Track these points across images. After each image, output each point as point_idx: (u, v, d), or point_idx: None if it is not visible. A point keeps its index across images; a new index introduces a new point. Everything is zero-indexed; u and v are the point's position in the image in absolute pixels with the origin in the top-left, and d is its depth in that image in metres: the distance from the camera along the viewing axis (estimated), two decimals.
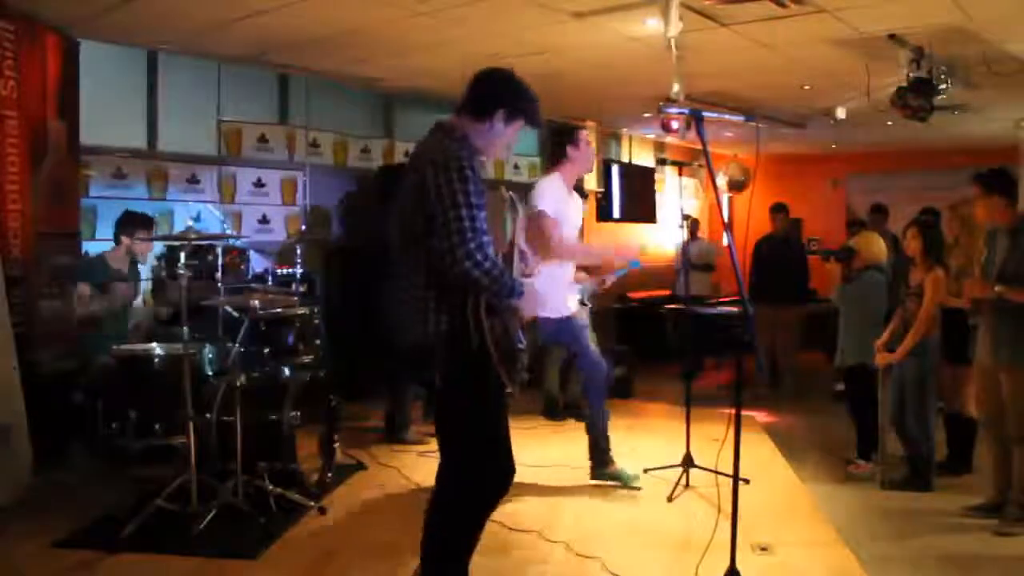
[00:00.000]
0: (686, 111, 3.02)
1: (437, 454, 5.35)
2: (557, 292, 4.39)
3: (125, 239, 4.93)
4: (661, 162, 9.96)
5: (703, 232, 10.67)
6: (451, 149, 2.61)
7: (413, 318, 2.68)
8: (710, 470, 4.13)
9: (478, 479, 2.72)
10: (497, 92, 2.79)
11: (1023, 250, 4.03)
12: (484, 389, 2.66)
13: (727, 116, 3.89)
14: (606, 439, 4.59)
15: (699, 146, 2.88)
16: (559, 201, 4.40)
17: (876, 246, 5.27)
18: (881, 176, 11.52)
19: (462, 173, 2.54)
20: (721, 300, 8.44)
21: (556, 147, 4.67)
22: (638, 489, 4.51)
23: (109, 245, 5.13)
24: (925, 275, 4.68)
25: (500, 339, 2.64)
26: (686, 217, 4.55)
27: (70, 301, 4.89)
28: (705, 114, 2.96)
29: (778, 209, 8.09)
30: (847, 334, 5.24)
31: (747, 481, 3.60)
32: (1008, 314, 4.02)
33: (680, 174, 6.27)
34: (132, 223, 4.96)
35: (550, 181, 4.53)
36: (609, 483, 4.55)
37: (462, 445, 2.76)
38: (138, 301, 5.32)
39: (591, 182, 9.05)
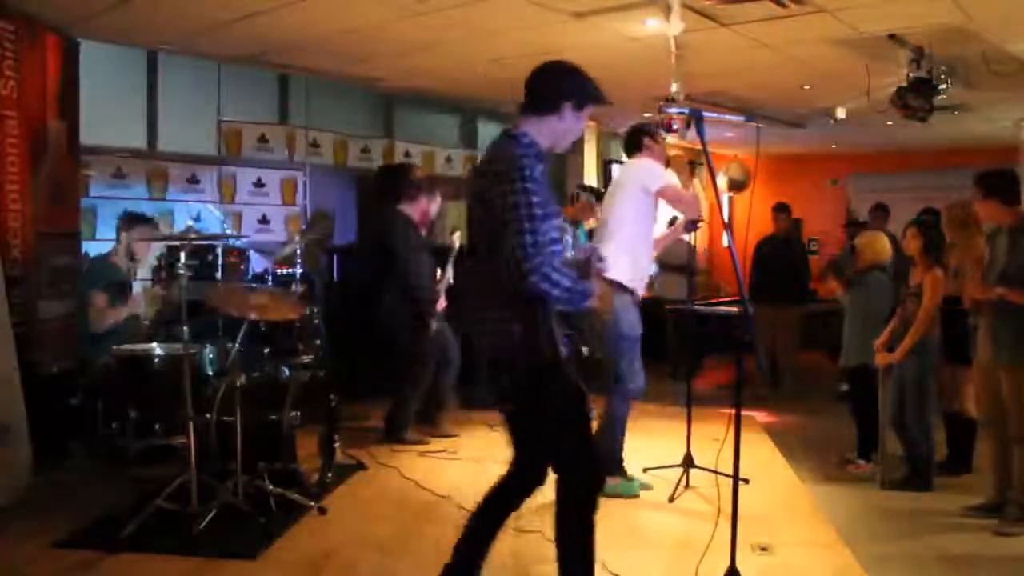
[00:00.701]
0: (686, 111, 3.01)
1: (437, 454, 5.40)
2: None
3: (124, 235, 4.93)
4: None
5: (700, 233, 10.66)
6: (514, 158, 2.59)
7: (488, 328, 2.70)
8: (710, 470, 4.13)
9: (578, 471, 2.76)
10: (561, 86, 2.75)
11: (1022, 251, 4.02)
12: (557, 398, 2.66)
13: (727, 116, 3.90)
14: (621, 450, 4.53)
15: (699, 146, 2.88)
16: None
17: (880, 245, 5.25)
18: (881, 176, 11.52)
19: (524, 184, 2.53)
20: (721, 300, 8.44)
21: (633, 139, 4.64)
22: (649, 488, 4.51)
23: (109, 245, 5.13)
24: (924, 275, 4.68)
25: (573, 349, 2.65)
26: (698, 222, 4.54)
27: (85, 311, 4.86)
28: (705, 114, 2.96)
29: (781, 209, 8.10)
30: (851, 334, 5.22)
31: (747, 481, 3.60)
32: (1008, 314, 4.02)
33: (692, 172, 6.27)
34: (132, 220, 4.96)
35: (642, 160, 4.54)
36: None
37: (554, 443, 2.75)
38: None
39: (592, 182, 9.04)
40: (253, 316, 4.14)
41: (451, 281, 5.71)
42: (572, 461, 2.75)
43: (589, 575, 2.74)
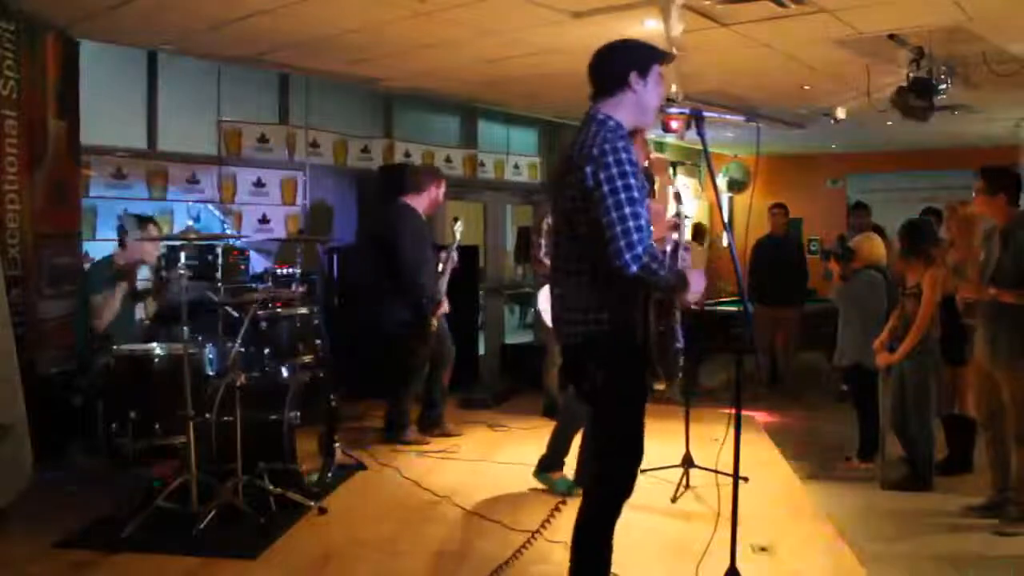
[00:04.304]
0: (687, 111, 3.00)
1: (437, 454, 5.40)
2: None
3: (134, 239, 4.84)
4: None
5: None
6: (608, 141, 2.53)
7: (572, 320, 2.65)
8: (710, 469, 4.13)
9: (623, 467, 2.71)
10: (620, 58, 2.71)
11: (1015, 251, 4.01)
12: (639, 384, 2.65)
13: (728, 116, 3.89)
14: (568, 448, 4.48)
15: (696, 146, 2.88)
16: None
17: (875, 246, 5.27)
18: (881, 176, 11.52)
19: (621, 168, 2.48)
20: (721, 300, 8.45)
21: None
22: (569, 496, 4.31)
23: (109, 245, 5.11)
24: (923, 274, 4.68)
25: (662, 336, 2.61)
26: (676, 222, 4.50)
27: (86, 314, 4.73)
28: (706, 114, 2.95)
29: (777, 208, 8.10)
30: (845, 334, 5.24)
31: (746, 479, 3.59)
32: (1005, 316, 4.01)
33: (675, 173, 6.27)
34: (140, 223, 4.88)
35: None
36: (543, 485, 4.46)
37: (613, 437, 2.73)
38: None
39: None
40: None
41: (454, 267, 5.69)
42: (615, 455, 2.70)
43: None
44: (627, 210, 2.45)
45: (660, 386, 2.71)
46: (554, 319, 2.77)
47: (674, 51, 5.15)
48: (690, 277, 2.66)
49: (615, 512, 2.70)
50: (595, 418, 2.80)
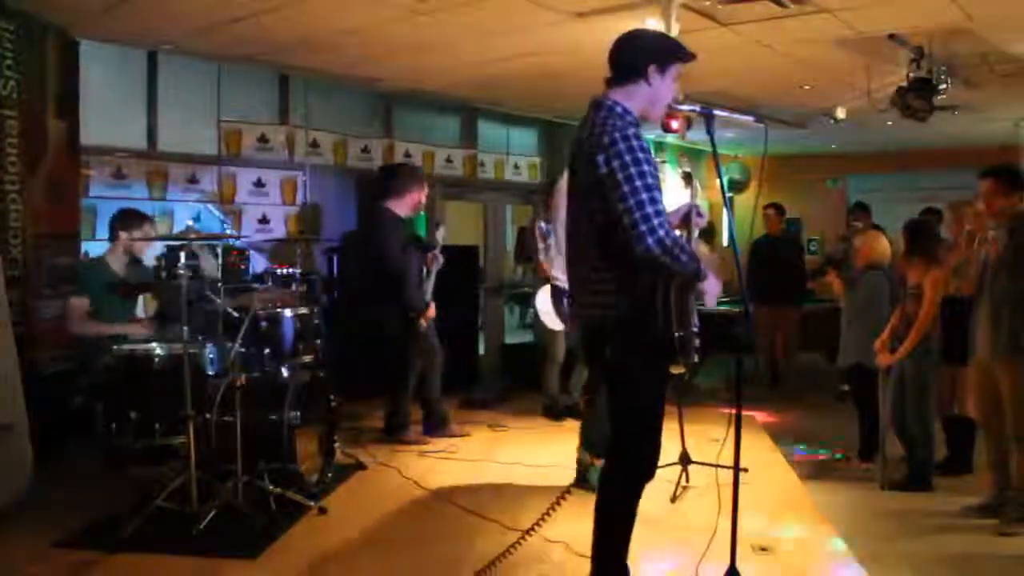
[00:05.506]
0: (697, 108, 2.99)
1: (437, 454, 5.39)
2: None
3: (123, 235, 4.80)
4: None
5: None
6: (617, 127, 2.54)
7: (590, 303, 2.68)
8: (708, 464, 4.13)
9: (641, 453, 2.75)
10: (641, 50, 2.72)
11: (1019, 240, 4.01)
12: (659, 368, 2.66)
13: (737, 116, 3.86)
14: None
15: (688, 145, 2.88)
16: None
17: (878, 245, 5.25)
18: (881, 176, 11.51)
19: (633, 154, 2.48)
20: (721, 300, 8.45)
21: None
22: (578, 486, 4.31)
23: (107, 246, 5.10)
24: (924, 274, 4.68)
25: (681, 321, 2.61)
26: None
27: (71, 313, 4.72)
28: (717, 112, 2.93)
29: (770, 208, 8.09)
30: (847, 334, 5.24)
31: (746, 470, 3.57)
32: (1006, 308, 4.01)
33: None
34: (127, 218, 4.85)
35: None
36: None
37: (632, 422, 2.74)
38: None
39: None
40: None
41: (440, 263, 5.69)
42: (636, 446, 2.73)
43: (617, 561, 2.75)
44: (644, 195, 2.45)
45: (678, 370, 2.72)
46: (572, 303, 2.80)
47: None
48: (711, 278, 2.68)
49: (634, 494, 2.74)
50: (614, 402, 2.79)
